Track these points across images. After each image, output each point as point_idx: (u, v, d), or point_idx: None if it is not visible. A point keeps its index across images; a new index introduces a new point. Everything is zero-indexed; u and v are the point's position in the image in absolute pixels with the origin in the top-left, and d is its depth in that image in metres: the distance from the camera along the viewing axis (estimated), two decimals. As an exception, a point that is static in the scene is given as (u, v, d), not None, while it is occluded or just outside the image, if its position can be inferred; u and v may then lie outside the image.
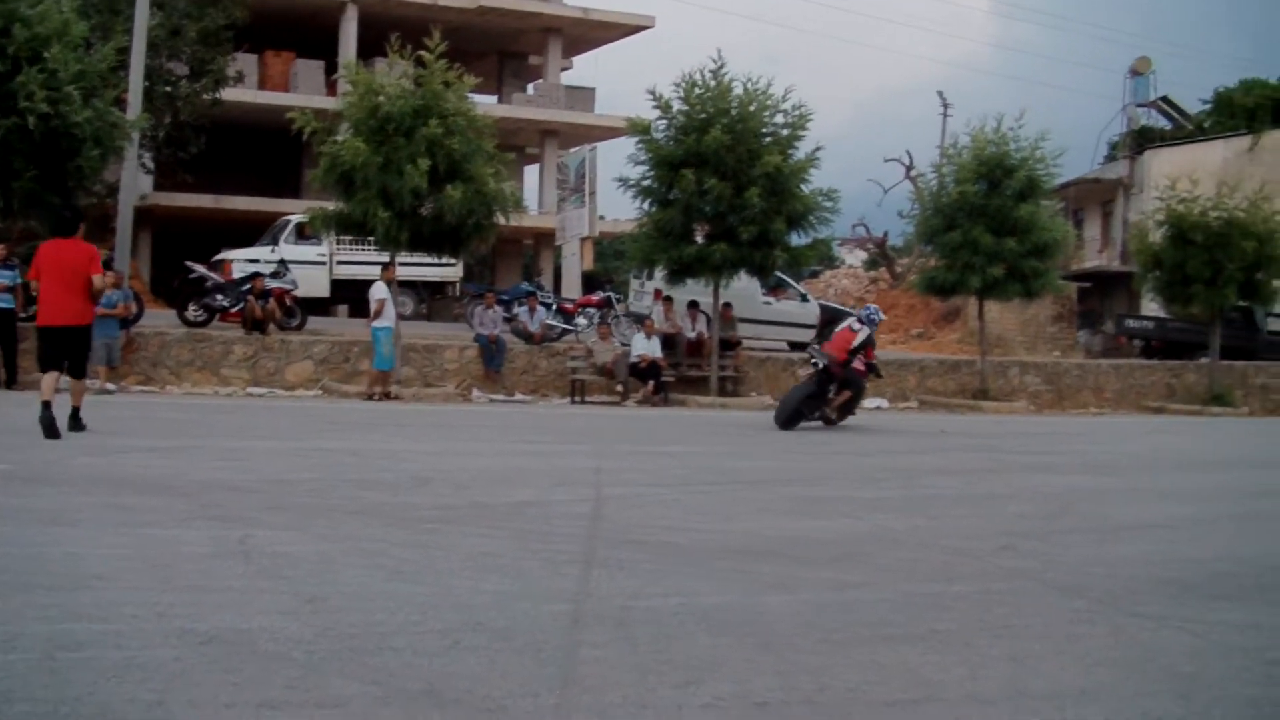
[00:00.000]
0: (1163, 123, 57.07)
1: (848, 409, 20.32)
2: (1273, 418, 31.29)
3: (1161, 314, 37.90)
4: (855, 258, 65.74)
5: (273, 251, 31.41)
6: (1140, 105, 55.72)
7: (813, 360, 20.03)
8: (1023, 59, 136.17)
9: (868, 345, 20.14)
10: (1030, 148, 28.74)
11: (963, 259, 28.20)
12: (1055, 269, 30.60)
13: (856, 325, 20.33)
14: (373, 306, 23.15)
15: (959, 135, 30.71)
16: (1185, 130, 55.71)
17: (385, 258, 25.17)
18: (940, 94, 67.20)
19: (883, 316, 22.09)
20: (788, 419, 19.30)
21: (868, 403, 27.36)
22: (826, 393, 19.68)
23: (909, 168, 56.08)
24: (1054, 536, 9.81)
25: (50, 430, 13.21)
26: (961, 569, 8.22)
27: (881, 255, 57.33)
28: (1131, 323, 42.20)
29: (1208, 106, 57.39)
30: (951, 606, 7.03)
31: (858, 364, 20.01)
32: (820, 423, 19.87)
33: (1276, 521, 11.22)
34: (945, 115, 60.65)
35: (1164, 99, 56.72)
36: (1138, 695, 5.41)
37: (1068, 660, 5.97)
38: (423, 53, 24.08)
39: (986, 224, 27.93)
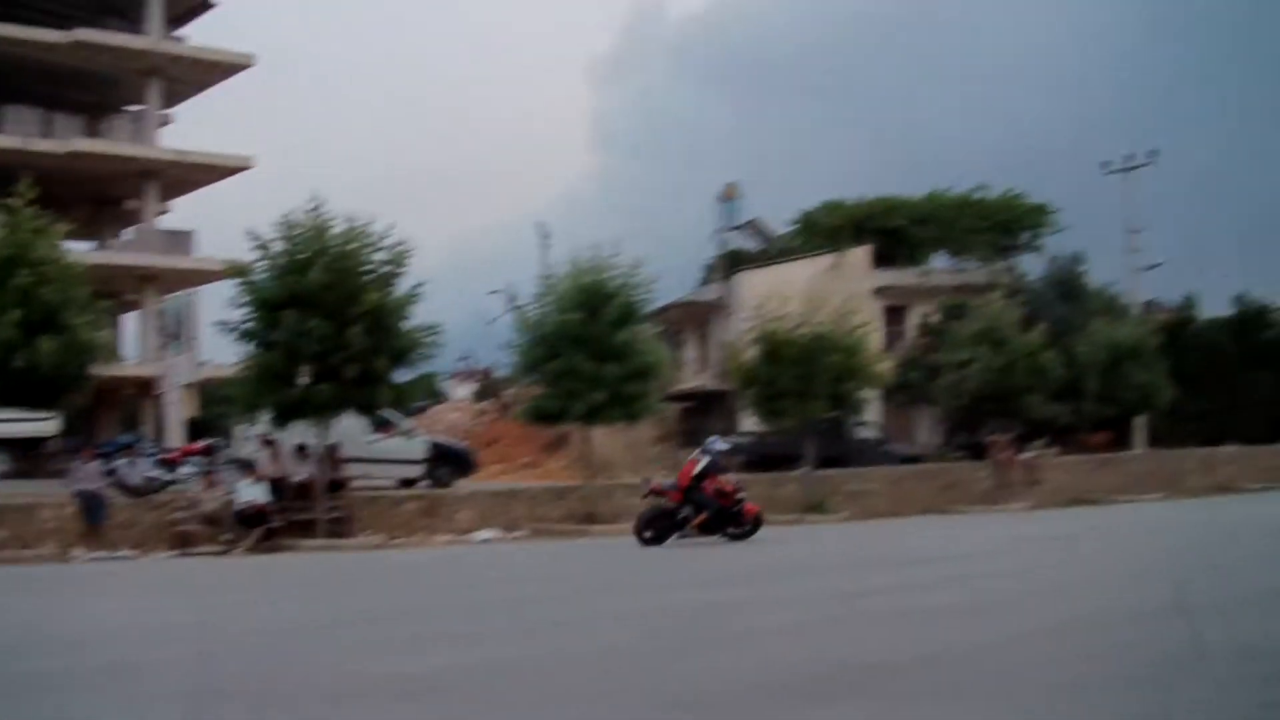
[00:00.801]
0: (753, 244, 59.50)
1: (716, 527, 22.93)
2: (868, 521, 32.69)
3: (759, 429, 39.21)
4: (464, 390, 66.04)
5: None
6: (731, 229, 57.90)
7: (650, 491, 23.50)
8: (618, 189, 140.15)
9: (710, 471, 22.86)
10: (626, 274, 29.52)
11: (565, 386, 28.65)
12: (656, 391, 31.38)
13: (699, 455, 23.40)
14: None
15: (559, 265, 31.35)
16: (773, 251, 58.22)
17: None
18: (540, 225, 68.61)
19: (722, 445, 24.26)
20: (648, 537, 22.55)
21: (479, 535, 27.52)
22: (677, 514, 22.65)
23: (512, 299, 56.88)
24: (657, 654, 9.99)
25: None
26: (562, 694, 8.26)
27: (488, 387, 57.72)
28: (734, 438, 43.57)
29: (794, 228, 60.16)
30: None
31: (707, 487, 22.77)
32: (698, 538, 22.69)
33: (865, 621, 11.67)
34: (546, 247, 61.90)
35: (752, 221, 59.14)
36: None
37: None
38: (11, 200, 23.23)
39: (587, 351, 28.45)
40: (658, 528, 22.64)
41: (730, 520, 23.06)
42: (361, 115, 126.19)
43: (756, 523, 23.50)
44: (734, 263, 55.91)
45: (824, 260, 53.23)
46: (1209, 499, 37.30)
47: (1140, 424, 46.80)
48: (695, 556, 20.90)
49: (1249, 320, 56.33)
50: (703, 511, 22.59)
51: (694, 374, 56.36)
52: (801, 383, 32.31)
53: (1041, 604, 12.49)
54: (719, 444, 23.98)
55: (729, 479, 23.71)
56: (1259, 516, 26.09)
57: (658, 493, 23.22)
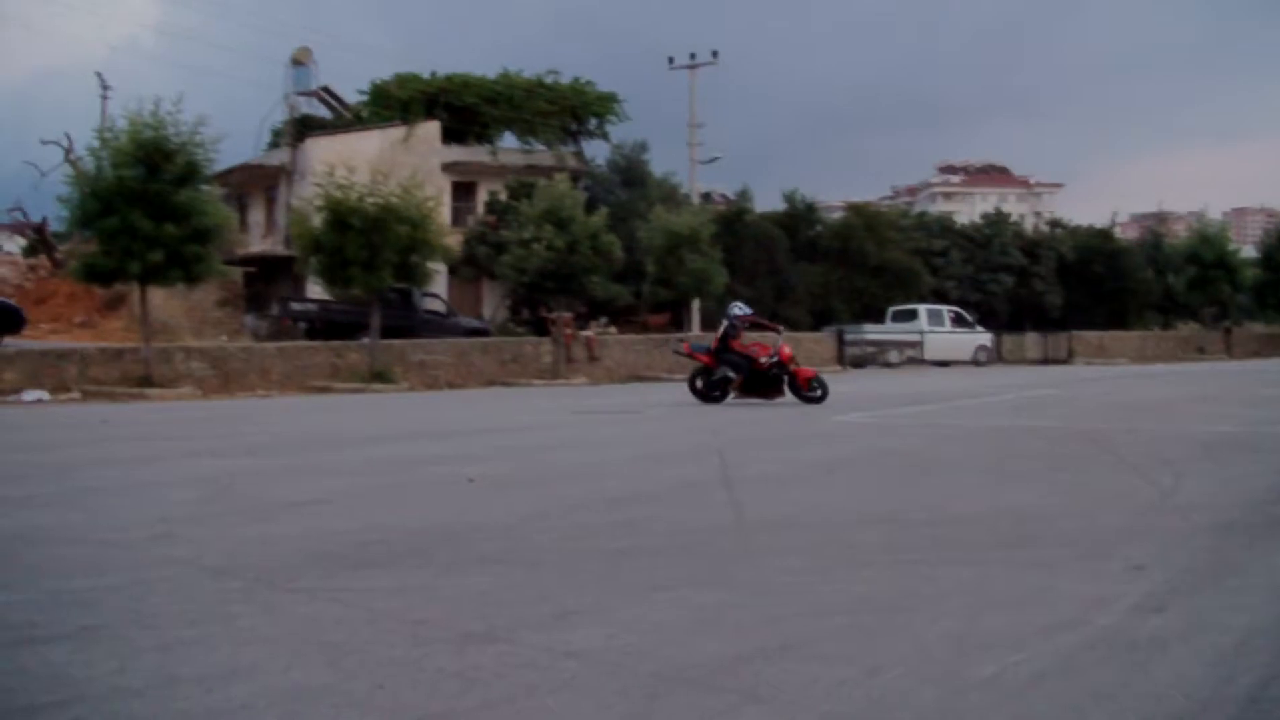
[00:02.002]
0: (324, 112, 58.37)
1: (755, 389, 24.47)
2: (431, 392, 32.79)
3: (325, 296, 38.68)
4: (14, 244, 62.43)
5: None
6: (301, 94, 56.63)
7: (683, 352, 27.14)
8: (187, 45, 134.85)
9: (730, 335, 24.56)
10: (189, 133, 28.43)
11: (121, 245, 27.46)
12: (218, 254, 30.48)
13: (722, 320, 25.28)
14: None
15: (117, 118, 29.86)
16: (344, 120, 57.31)
17: None
18: (99, 76, 65.28)
19: (740, 310, 25.39)
20: (701, 389, 24.77)
21: (27, 395, 26.16)
22: (712, 374, 24.57)
23: (68, 150, 53.97)
24: (211, 520, 9.74)
25: None
26: (115, 561, 7.98)
27: (41, 242, 54.69)
28: (296, 305, 42.91)
29: (365, 98, 59.25)
30: (102, 601, 6.79)
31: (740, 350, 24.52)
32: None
33: (417, 489, 11.64)
34: (105, 98, 58.89)
35: (324, 89, 58.01)
36: (288, 669, 5.43)
37: (218, 642, 5.92)
38: None
39: (146, 209, 27.33)
40: (708, 385, 24.56)
41: (769, 384, 24.40)
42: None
43: (823, 387, 24.38)
44: (303, 128, 54.77)
45: (395, 132, 52.76)
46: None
47: (695, 307, 48.47)
48: (268, 425, 20.48)
49: (798, 216, 59.08)
50: (740, 373, 24.22)
51: (260, 239, 55.05)
52: (368, 252, 31.97)
53: (593, 476, 12.73)
54: (737, 309, 25.30)
55: (768, 341, 25.80)
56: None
57: (688, 354, 26.11)
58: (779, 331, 27.51)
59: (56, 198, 30.49)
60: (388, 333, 34.66)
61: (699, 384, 24.73)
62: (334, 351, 34.17)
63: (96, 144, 29.25)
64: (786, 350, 24.73)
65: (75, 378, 28.17)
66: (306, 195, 36.89)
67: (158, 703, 4.97)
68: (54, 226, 53.23)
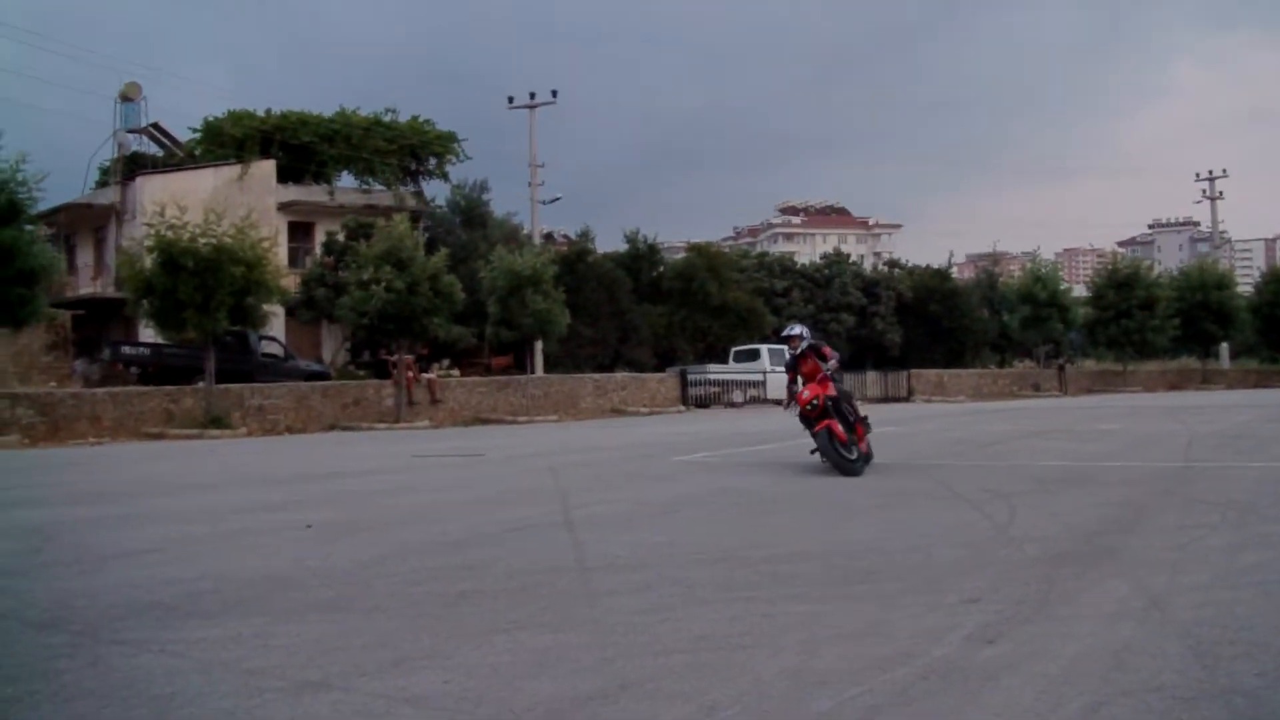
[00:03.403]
0: (155, 150, 57.39)
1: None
2: (270, 437, 32.29)
3: (158, 340, 37.91)
4: None
5: None
6: (131, 131, 55.65)
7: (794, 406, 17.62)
8: (5, 78, 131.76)
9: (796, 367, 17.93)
10: (10, 170, 27.72)
11: (-58, 286, 26.66)
12: (44, 296, 29.75)
13: (804, 350, 17.68)
14: None
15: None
16: (176, 157, 56.39)
17: None
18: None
19: (798, 329, 18.12)
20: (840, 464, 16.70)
21: None
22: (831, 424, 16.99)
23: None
24: (34, 571, 9.46)
25: None
26: (-71, 615, 7.65)
27: None
28: (127, 349, 41.97)
29: (198, 135, 58.35)
30: (-86, 657, 6.51)
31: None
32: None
33: (253, 537, 11.42)
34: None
35: (155, 126, 57.05)
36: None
37: (42, 699, 5.74)
38: None
39: (-33, 250, 26.58)
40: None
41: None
42: None
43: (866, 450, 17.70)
44: (133, 166, 53.76)
45: (228, 171, 52.03)
46: (603, 420, 39.15)
47: (539, 348, 48.44)
48: (98, 474, 19.97)
49: (641, 256, 59.43)
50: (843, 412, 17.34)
51: (89, 280, 53.83)
52: (202, 294, 31.45)
53: (434, 519, 12.61)
54: (798, 328, 18.22)
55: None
56: (647, 436, 27.48)
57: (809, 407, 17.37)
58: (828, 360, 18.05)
59: None
60: (224, 377, 34.08)
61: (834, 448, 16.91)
62: (168, 396, 33.48)
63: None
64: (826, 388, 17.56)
65: None
66: (137, 235, 36.21)
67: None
68: None
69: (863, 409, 18.69)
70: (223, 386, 33.58)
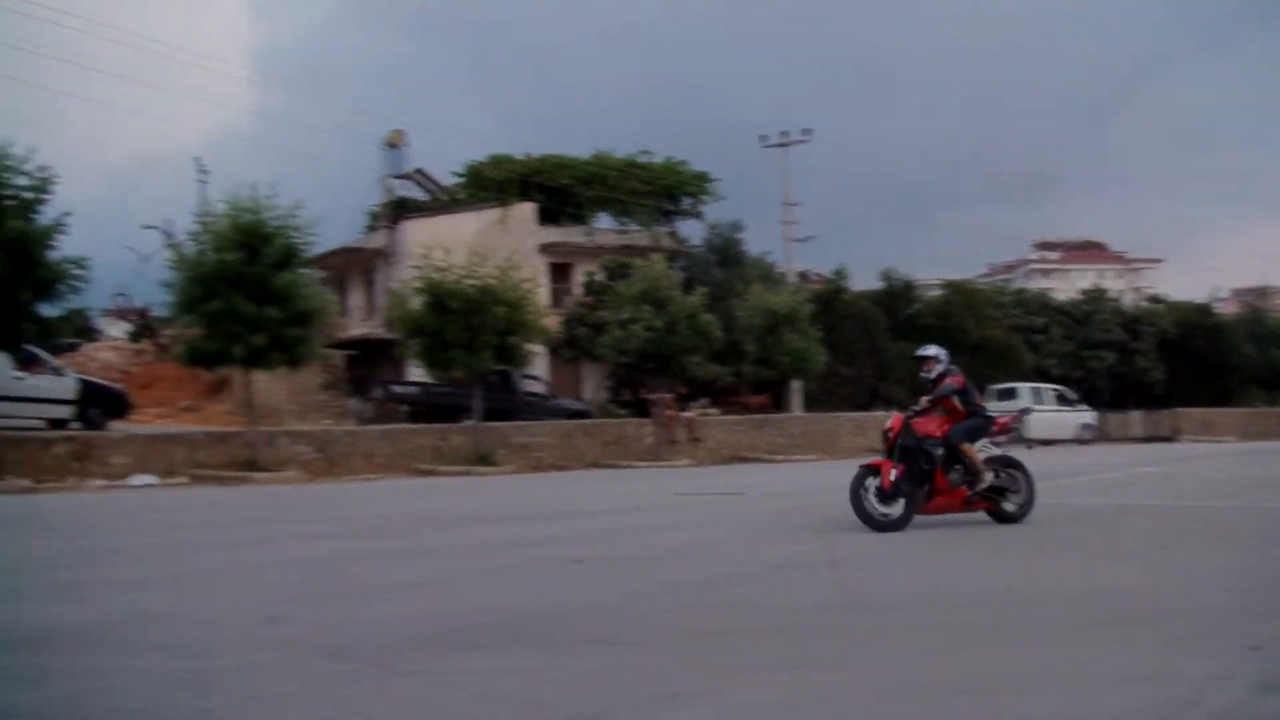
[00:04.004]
0: (419, 194, 58.92)
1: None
2: (534, 474, 32.72)
3: (426, 379, 38.81)
4: (119, 329, 63.49)
5: None
6: (397, 177, 57.22)
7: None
8: (282, 128, 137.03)
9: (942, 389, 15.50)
10: (287, 216, 28.70)
11: (224, 328, 27.69)
12: (319, 337, 30.68)
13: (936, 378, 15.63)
14: None
15: (216, 202, 30.24)
16: (440, 202, 57.80)
17: None
18: (198, 160, 66.60)
19: (931, 352, 16.05)
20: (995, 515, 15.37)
21: (136, 480, 26.38)
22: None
23: (169, 236, 54.92)
24: (320, 602, 9.69)
25: None
26: (226, 643, 7.93)
27: (145, 327, 55.64)
28: (398, 388, 43.09)
29: (461, 180, 59.77)
30: (215, 683, 6.73)
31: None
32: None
33: (525, 571, 11.53)
34: (203, 183, 59.89)
35: (419, 171, 58.58)
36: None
37: (336, 726, 5.80)
38: None
39: (247, 293, 27.56)
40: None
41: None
42: (9, 38, 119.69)
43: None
44: (399, 211, 55.25)
45: (490, 214, 53.07)
46: (862, 459, 38.71)
47: (796, 387, 48.24)
48: (374, 508, 20.46)
49: (896, 294, 58.80)
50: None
51: (360, 321, 55.51)
52: (468, 334, 32.04)
53: (697, 556, 12.58)
54: (932, 349, 16.19)
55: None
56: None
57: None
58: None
59: (159, 282, 30.89)
60: (489, 415, 34.68)
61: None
62: (438, 434, 34.23)
63: (197, 229, 29.69)
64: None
65: (183, 462, 28.36)
66: (404, 277, 37.12)
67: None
68: (157, 311, 54.18)
69: (1011, 460, 15.57)
70: (489, 424, 34.16)
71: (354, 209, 62.22)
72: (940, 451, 14.95)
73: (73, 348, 49.96)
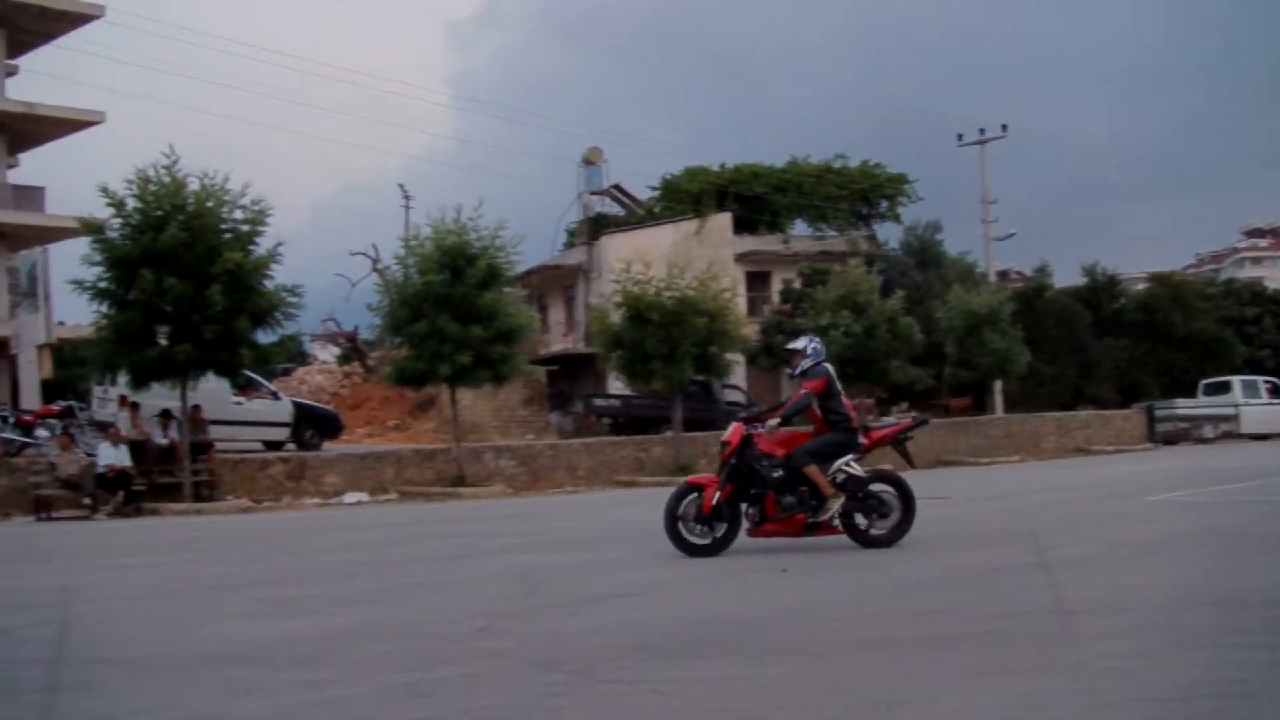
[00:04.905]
0: (616, 210, 59.52)
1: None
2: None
3: (626, 391, 39.20)
4: (328, 353, 65.30)
5: None
6: (594, 193, 57.87)
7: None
8: (480, 151, 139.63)
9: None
10: (490, 236, 29.30)
11: (431, 348, 28.36)
12: (522, 354, 31.24)
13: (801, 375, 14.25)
14: None
15: (421, 226, 31.01)
16: (637, 216, 58.30)
17: None
18: (401, 186, 68.20)
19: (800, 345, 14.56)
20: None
21: (348, 497, 27.17)
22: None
23: (375, 260, 56.34)
24: (529, 614, 9.96)
25: None
26: (440, 655, 8.20)
27: (354, 349, 57.18)
28: (599, 401, 43.59)
29: (656, 193, 60.23)
30: (431, 693, 6.99)
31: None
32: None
33: (730, 580, 11.68)
34: (407, 207, 61.29)
35: (616, 187, 59.18)
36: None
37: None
38: None
39: (452, 312, 28.20)
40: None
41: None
42: (217, 74, 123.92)
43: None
44: (597, 226, 55.89)
45: (687, 225, 53.37)
46: (1067, 460, 38.11)
47: (998, 388, 47.62)
48: (577, 520, 20.79)
49: (1099, 289, 57.53)
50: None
51: (560, 337, 56.27)
52: (668, 346, 32.25)
53: (905, 561, 12.56)
54: (802, 340, 14.73)
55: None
56: (1115, 475, 26.63)
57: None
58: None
59: (366, 306, 31.76)
60: (690, 425, 34.89)
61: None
62: (638, 445, 34.56)
63: (403, 252, 30.51)
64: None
65: (392, 479, 29.13)
66: (604, 292, 37.57)
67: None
68: (365, 334, 55.64)
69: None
70: (689, 435, 34.36)
71: (553, 227, 63.12)
72: (778, 474, 13.53)
73: (286, 372, 51.63)
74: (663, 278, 33.04)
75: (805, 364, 14.12)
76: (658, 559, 13.31)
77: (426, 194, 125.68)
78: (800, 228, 58.73)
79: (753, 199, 57.02)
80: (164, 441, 26.12)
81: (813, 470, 13.49)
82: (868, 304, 38.03)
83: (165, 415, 26.39)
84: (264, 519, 23.69)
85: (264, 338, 26.41)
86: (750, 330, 41.21)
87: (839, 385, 14.17)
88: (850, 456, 13.78)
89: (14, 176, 48.00)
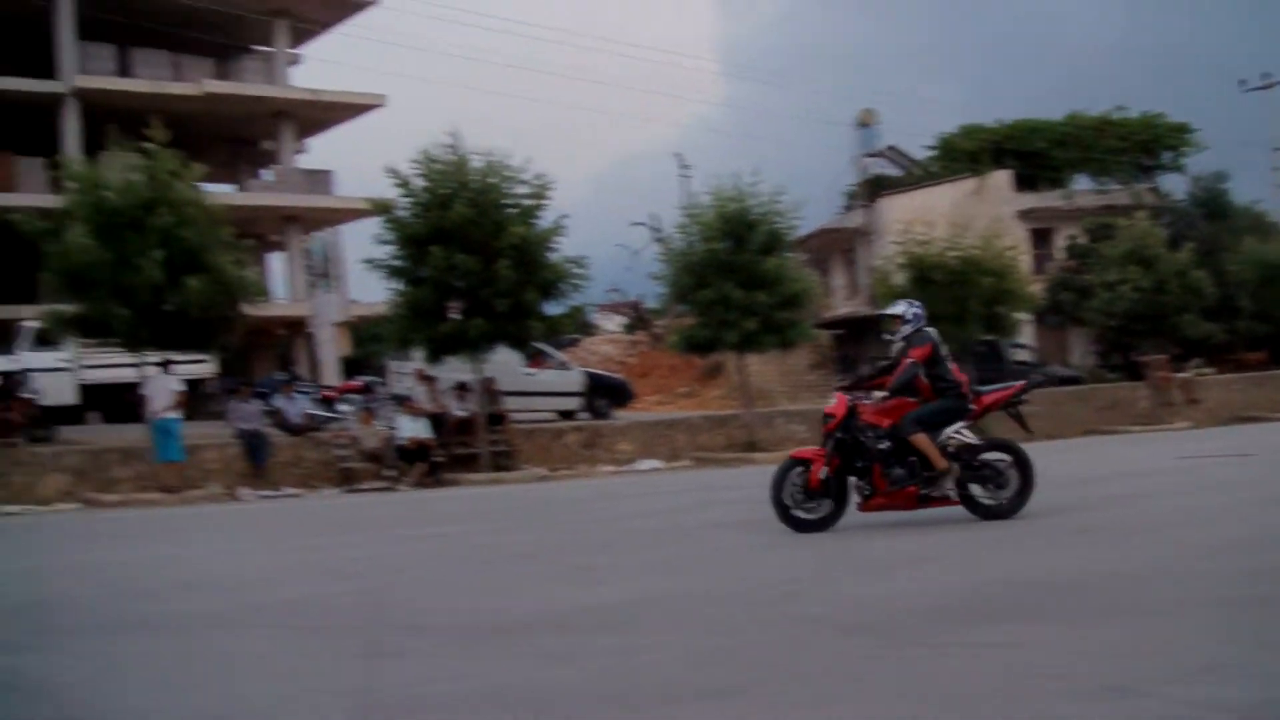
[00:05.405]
0: (893, 171, 58.88)
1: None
2: (1028, 443, 32.05)
3: (912, 354, 38.63)
4: (613, 323, 66.15)
5: (12, 360, 29.56)
6: (869, 155, 57.37)
7: None
8: (753, 117, 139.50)
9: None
10: (769, 202, 29.31)
11: (717, 315, 28.55)
12: (807, 318, 31.18)
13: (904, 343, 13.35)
14: (168, 399, 23.20)
15: (700, 195, 31.21)
16: (914, 177, 57.58)
17: (134, 359, 24.38)
18: (678, 156, 68.67)
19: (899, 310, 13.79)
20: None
21: (642, 464, 27.53)
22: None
23: (655, 230, 56.81)
24: (833, 578, 9.99)
25: None
26: (747, 620, 8.26)
27: (639, 318, 57.82)
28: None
29: (933, 153, 59.38)
30: (740, 659, 7.04)
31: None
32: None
33: (1032, 540, 11.45)
34: (685, 176, 61.61)
35: (891, 148, 58.57)
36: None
37: (865, 698, 6.03)
38: (147, 143, 23.45)
39: (736, 280, 28.32)
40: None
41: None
42: (489, 52, 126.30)
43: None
44: (875, 189, 55.40)
45: (966, 184, 52.47)
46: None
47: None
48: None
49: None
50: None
51: (843, 300, 55.99)
52: (954, 306, 31.84)
53: (1209, 521, 12.19)
54: (900, 305, 13.98)
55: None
56: None
57: None
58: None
59: (649, 275, 32.01)
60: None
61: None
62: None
63: (683, 221, 30.72)
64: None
65: (684, 446, 29.41)
66: (886, 254, 37.23)
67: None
68: (649, 303, 56.21)
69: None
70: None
71: (830, 191, 62.73)
72: (884, 445, 12.80)
73: (574, 342, 52.46)
74: (945, 238, 32.64)
75: (906, 330, 13.28)
76: (950, 522, 13.03)
77: (700, 162, 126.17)
78: (1082, 183, 57.19)
79: (1032, 155, 55.80)
80: (461, 413, 26.88)
81: (922, 440, 12.69)
82: (1156, 258, 37.00)
83: (461, 388, 27.15)
84: (561, 487, 24.20)
85: (552, 309, 26.86)
86: (1036, 288, 40.27)
87: (945, 349, 13.34)
88: (961, 423, 13.09)
89: (303, 161, 49.88)
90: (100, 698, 6.69)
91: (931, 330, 13.24)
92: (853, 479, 12.97)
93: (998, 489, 13.08)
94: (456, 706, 6.12)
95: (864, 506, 13.05)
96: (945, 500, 12.93)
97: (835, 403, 13.15)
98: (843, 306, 55.27)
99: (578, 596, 9.67)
